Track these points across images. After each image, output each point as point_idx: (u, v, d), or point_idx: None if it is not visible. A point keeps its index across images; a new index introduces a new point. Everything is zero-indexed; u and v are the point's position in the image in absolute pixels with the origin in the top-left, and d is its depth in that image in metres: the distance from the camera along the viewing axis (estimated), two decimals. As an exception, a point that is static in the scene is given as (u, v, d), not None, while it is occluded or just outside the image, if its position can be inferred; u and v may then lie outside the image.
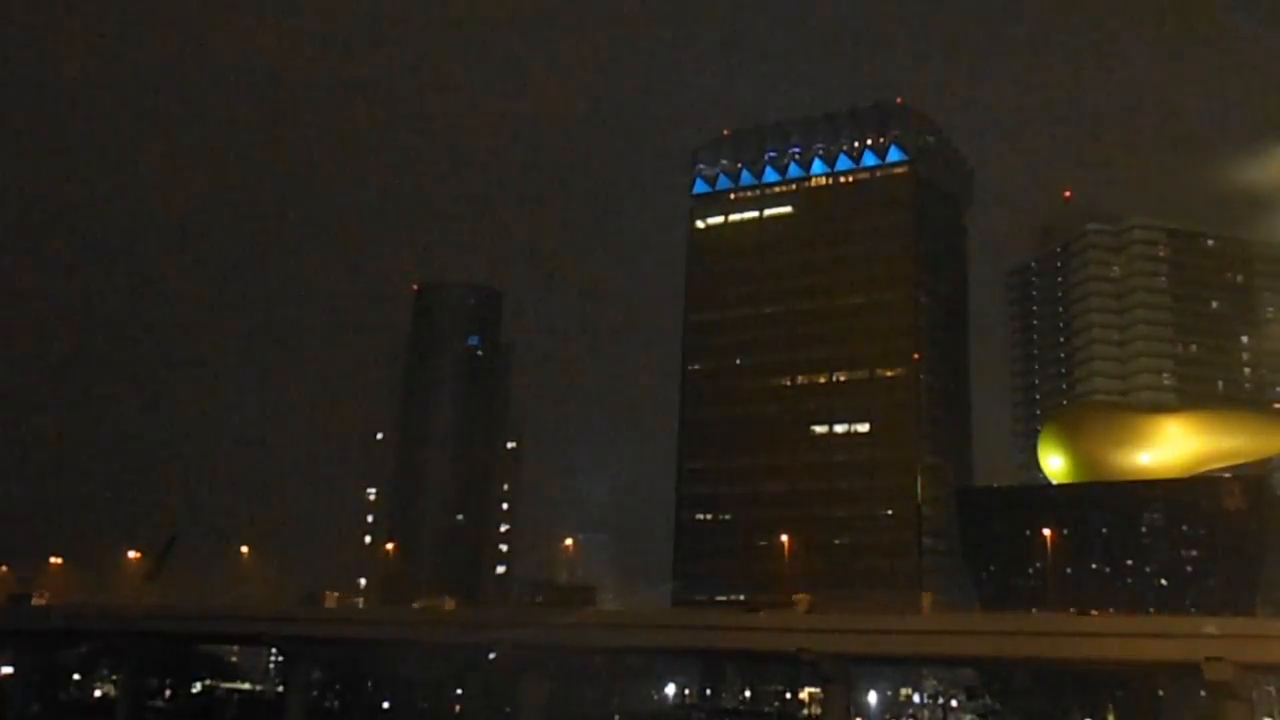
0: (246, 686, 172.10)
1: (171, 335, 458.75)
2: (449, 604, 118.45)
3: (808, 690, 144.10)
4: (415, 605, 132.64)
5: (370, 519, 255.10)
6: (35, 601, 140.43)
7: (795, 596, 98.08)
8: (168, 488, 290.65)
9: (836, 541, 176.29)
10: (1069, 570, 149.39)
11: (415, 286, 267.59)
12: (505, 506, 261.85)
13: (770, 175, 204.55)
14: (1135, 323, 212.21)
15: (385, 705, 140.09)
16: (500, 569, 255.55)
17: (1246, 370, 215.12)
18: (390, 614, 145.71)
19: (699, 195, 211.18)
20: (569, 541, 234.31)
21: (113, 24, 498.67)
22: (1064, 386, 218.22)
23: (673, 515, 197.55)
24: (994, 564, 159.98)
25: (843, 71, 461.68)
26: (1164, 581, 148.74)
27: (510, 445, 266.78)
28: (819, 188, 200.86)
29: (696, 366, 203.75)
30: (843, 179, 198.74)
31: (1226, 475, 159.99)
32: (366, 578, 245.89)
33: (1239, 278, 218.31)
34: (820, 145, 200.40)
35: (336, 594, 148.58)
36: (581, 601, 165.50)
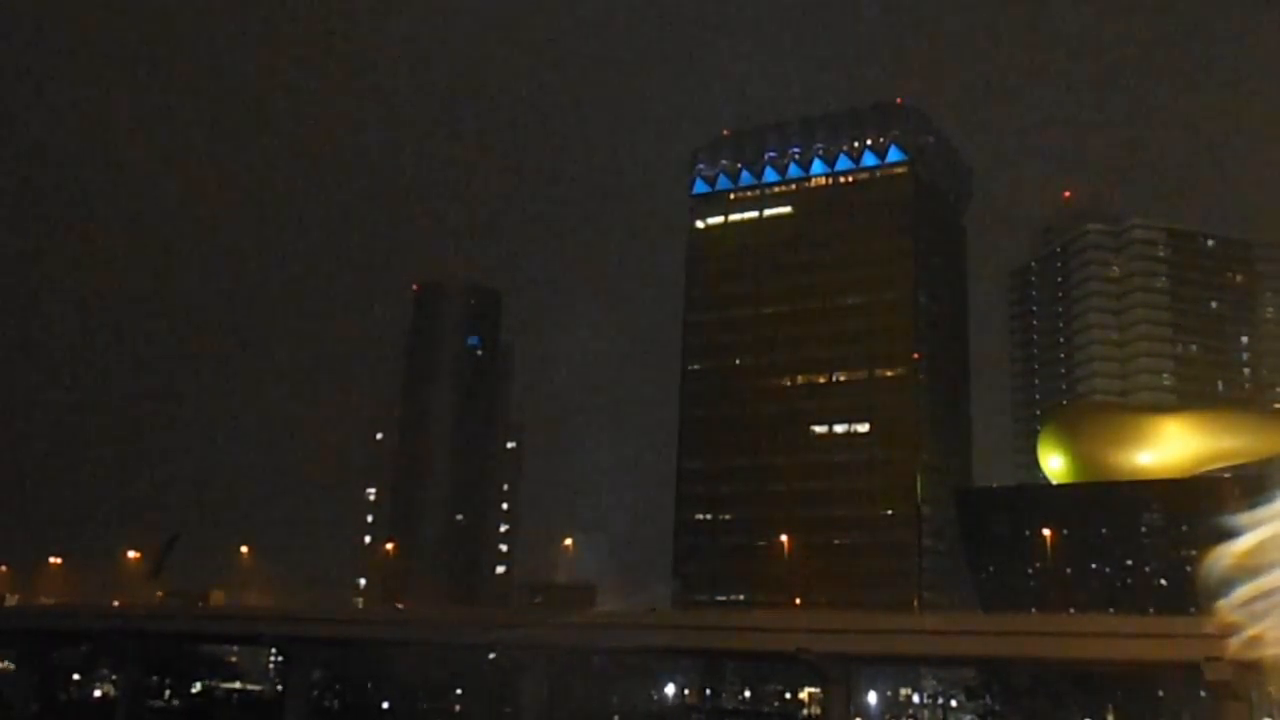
0: (246, 686, 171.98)
1: (172, 335, 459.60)
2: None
3: (808, 690, 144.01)
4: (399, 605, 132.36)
5: (370, 519, 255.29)
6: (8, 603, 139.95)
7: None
8: (168, 488, 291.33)
9: (836, 541, 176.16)
10: (1069, 570, 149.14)
11: (415, 286, 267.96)
12: (505, 506, 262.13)
13: (770, 175, 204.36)
14: (1135, 323, 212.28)
15: (385, 705, 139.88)
16: (500, 569, 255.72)
17: (1246, 370, 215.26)
18: (390, 614, 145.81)
19: (699, 195, 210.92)
20: (569, 541, 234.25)
21: (114, 21, 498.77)
22: (1064, 386, 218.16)
23: (672, 515, 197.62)
24: (994, 564, 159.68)
25: (843, 71, 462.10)
26: (1164, 581, 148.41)
27: (510, 445, 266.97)
28: (819, 188, 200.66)
29: (696, 366, 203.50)
30: (842, 179, 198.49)
31: (1226, 475, 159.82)
32: (366, 578, 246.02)
33: (1239, 278, 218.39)
34: (820, 145, 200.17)
35: (17, 596, 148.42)
36: (581, 601, 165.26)
